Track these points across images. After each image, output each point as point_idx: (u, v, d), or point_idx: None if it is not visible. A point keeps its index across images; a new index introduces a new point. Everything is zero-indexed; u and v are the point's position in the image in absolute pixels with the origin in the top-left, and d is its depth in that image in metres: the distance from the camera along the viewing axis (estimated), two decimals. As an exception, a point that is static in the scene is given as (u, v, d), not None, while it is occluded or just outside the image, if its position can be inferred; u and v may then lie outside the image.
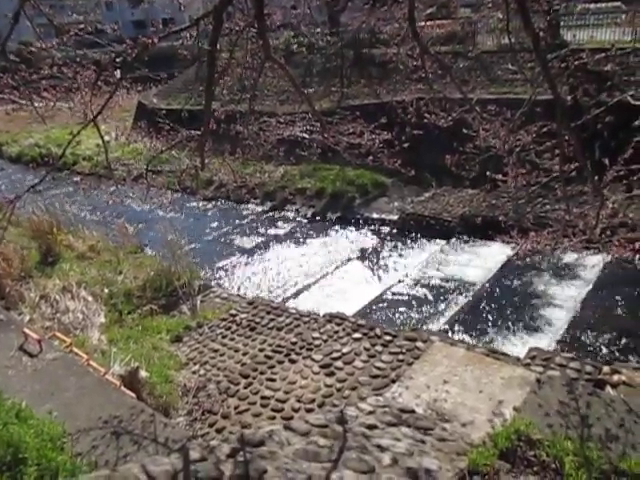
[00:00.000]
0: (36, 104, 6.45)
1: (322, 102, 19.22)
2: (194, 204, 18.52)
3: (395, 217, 15.39)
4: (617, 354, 8.83)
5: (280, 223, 16.46)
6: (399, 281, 12.15)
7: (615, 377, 6.57)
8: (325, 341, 8.32)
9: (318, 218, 16.46)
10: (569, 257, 12.19)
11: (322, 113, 7.80)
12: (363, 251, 14.07)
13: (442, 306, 10.96)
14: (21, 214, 13.69)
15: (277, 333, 8.79)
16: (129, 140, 18.49)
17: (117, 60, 4.77)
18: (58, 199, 16.75)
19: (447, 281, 12.02)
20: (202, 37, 6.26)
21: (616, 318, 9.87)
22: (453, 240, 13.99)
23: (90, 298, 10.02)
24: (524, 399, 5.87)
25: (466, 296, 11.22)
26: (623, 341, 9.18)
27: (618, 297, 10.57)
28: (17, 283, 10.18)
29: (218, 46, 5.11)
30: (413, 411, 5.90)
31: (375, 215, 15.83)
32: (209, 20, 4.98)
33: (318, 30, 24.56)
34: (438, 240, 14.12)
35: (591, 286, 11.11)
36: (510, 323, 10.05)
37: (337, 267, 13.17)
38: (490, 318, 10.28)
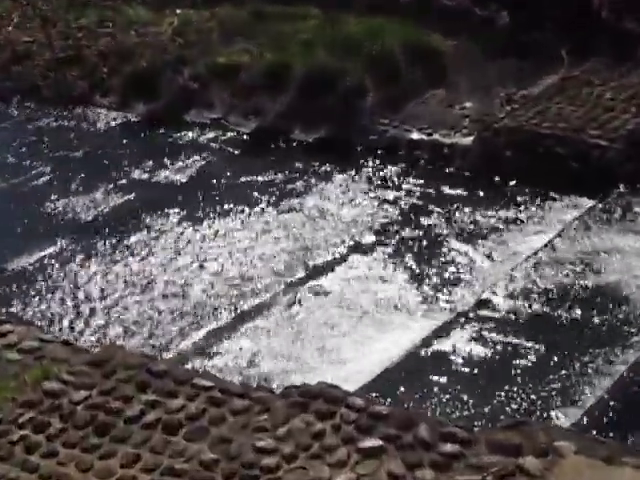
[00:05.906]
0: None
1: None
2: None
3: (466, 139, 12.33)
4: None
5: (171, 155, 13.25)
6: (479, 303, 9.70)
7: None
8: (286, 459, 6.24)
9: (267, 142, 13.24)
10: None
11: None
12: (385, 228, 11.31)
13: (584, 366, 8.97)
14: None
15: (163, 440, 6.68)
16: None
17: None
18: None
19: (597, 300, 9.61)
20: None
21: None
22: (612, 196, 11.39)
23: None
24: None
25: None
26: None
27: None
28: None
29: None
30: None
31: (416, 135, 12.70)
32: None
33: None
34: (575, 196, 11.43)
35: None
36: None
37: (321, 268, 10.80)
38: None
